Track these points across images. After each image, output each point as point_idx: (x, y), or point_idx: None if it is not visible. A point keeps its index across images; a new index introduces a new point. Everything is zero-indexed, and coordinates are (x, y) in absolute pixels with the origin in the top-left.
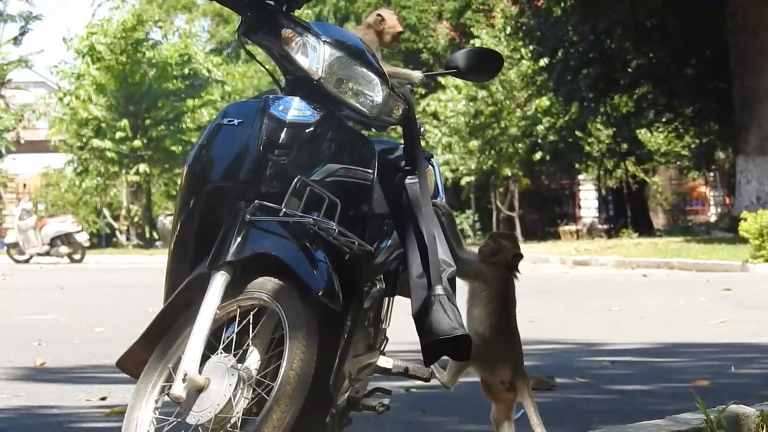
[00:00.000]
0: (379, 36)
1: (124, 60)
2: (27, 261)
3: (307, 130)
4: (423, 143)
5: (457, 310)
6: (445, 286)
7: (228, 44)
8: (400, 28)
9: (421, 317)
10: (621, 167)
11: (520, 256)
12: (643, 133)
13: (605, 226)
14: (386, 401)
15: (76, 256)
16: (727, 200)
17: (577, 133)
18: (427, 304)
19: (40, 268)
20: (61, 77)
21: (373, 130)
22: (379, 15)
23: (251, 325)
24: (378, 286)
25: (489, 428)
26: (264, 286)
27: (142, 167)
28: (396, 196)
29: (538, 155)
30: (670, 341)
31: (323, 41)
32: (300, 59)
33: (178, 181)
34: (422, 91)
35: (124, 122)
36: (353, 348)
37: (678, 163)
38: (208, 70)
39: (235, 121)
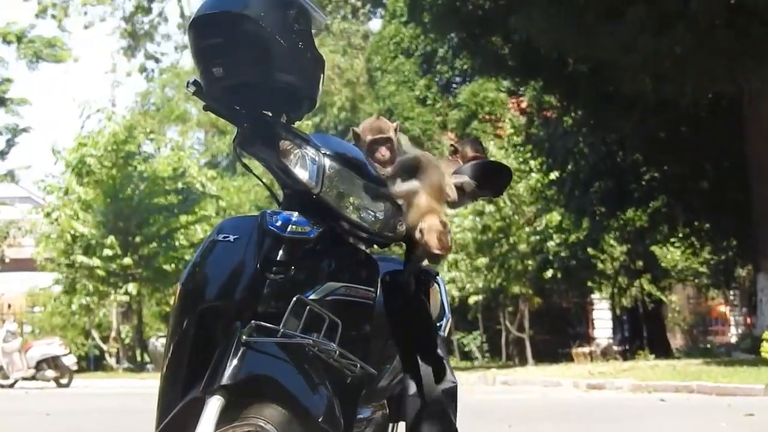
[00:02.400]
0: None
1: (114, 174)
2: (11, 386)
3: (306, 247)
4: None
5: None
6: (437, 401)
7: (223, 157)
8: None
9: None
10: (636, 285)
11: None
12: (658, 249)
13: (620, 348)
14: None
15: (64, 381)
16: (749, 320)
17: (590, 249)
18: (418, 421)
19: (26, 393)
20: (48, 191)
21: (376, 246)
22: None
23: None
24: (381, 411)
25: None
26: (261, 411)
27: (133, 286)
28: (396, 316)
29: (549, 273)
30: None
31: (323, 153)
32: (299, 172)
33: (171, 301)
34: None
35: (111, 239)
36: None
37: (696, 280)
38: (202, 184)
39: (231, 237)
